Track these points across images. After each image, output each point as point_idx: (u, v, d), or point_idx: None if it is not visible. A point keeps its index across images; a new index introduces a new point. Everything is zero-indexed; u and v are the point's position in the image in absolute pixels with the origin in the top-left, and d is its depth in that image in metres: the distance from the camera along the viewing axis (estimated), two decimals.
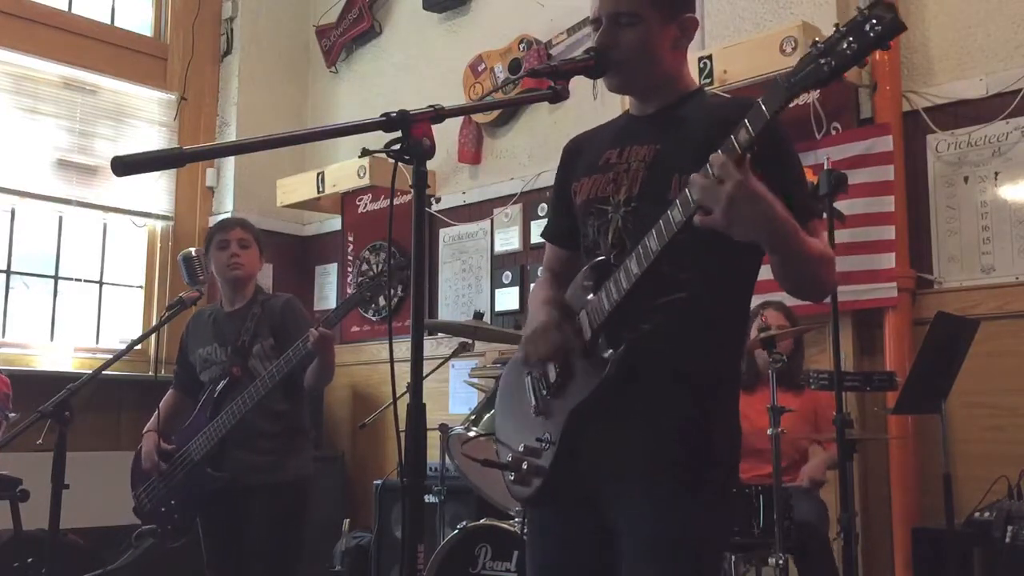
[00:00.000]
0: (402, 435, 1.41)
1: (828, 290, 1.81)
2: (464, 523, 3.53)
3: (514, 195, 5.17)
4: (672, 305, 1.71)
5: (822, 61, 1.45)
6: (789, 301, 3.56)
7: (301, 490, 3.19)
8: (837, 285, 1.80)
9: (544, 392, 1.84)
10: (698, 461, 1.71)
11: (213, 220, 6.22)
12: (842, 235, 3.57)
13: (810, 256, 1.65)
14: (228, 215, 5.96)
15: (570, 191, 1.93)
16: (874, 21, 1.39)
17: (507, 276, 5.17)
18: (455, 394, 5.13)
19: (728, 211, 1.50)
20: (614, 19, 1.78)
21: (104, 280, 5.92)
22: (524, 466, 1.83)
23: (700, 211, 1.55)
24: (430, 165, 1.47)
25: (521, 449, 1.84)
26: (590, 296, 1.77)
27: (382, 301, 5.31)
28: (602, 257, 1.80)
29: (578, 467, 1.77)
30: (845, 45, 1.42)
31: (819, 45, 1.46)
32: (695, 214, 1.56)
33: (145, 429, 3.30)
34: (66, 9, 5.87)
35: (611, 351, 1.70)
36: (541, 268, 2.10)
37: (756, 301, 3.53)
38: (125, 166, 1.32)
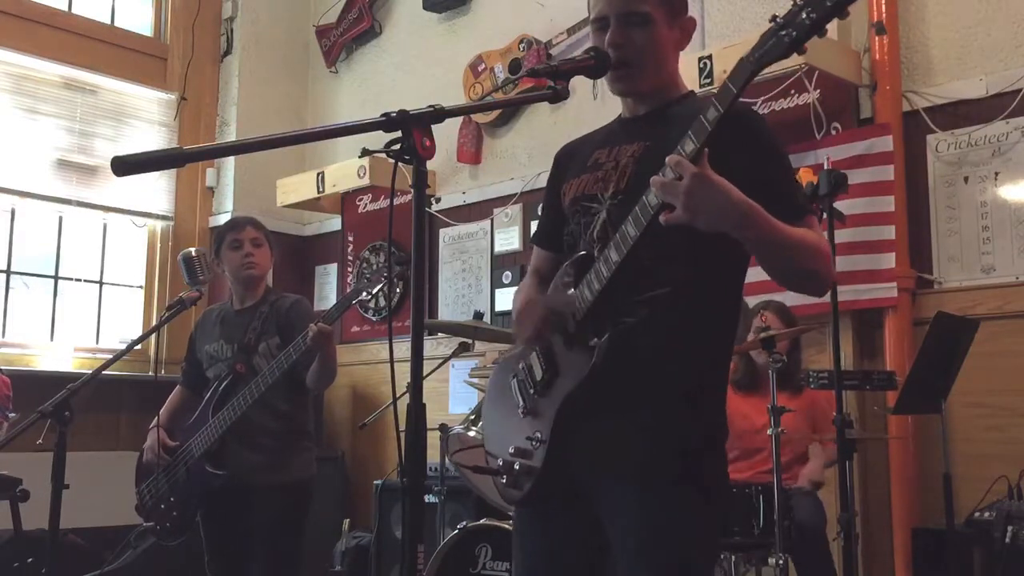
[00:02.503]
0: (402, 435, 1.41)
1: (823, 280, 1.75)
2: (464, 523, 3.53)
3: (514, 195, 5.17)
4: (656, 300, 1.71)
5: (782, 33, 1.49)
6: (789, 301, 3.57)
7: (302, 491, 3.18)
8: (835, 278, 1.79)
9: (531, 391, 1.83)
10: (685, 458, 1.71)
11: (213, 220, 6.23)
12: (842, 235, 3.57)
13: (791, 243, 1.64)
14: (228, 215, 5.96)
15: (561, 194, 1.94)
16: None
17: (507, 276, 5.17)
18: (455, 394, 5.13)
19: (688, 204, 1.53)
20: (624, 19, 1.78)
21: (104, 280, 5.92)
22: (516, 467, 1.82)
23: (665, 209, 1.57)
24: (430, 165, 1.47)
25: (511, 451, 1.83)
26: (571, 291, 1.77)
27: (382, 301, 5.31)
28: (583, 252, 1.79)
29: (569, 464, 1.76)
30: (804, 16, 1.46)
31: (778, 20, 1.50)
32: (661, 212, 1.58)
33: (151, 425, 3.30)
34: (66, 9, 5.86)
35: (596, 340, 1.70)
36: (527, 271, 2.10)
37: (756, 301, 3.56)
38: (125, 166, 1.32)
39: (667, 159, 1.56)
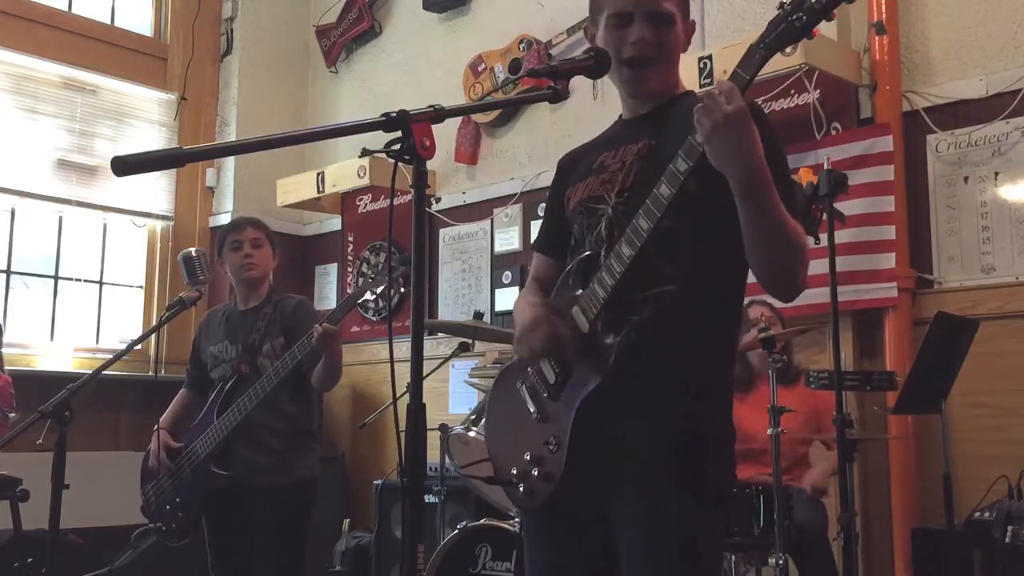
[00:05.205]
0: (402, 435, 1.41)
1: (799, 281, 1.71)
2: (464, 523, 3.54)
3: (514, 195, 5.17)
4: (662, 298, 1.70)
5: (793, 19, 1.52)
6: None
7: (306, 492, 3.17)
8: (807, 286, 1.75)
9: (545, 395, 1.81)
10: (693, 459, 1.70)
11: (213, 220, 6.23)
12: (842, 235, 3.57)
13: (788, 224, 1.62)
14: (228, 215, 5.97)
15: (564, 200, 1.93)
16: None
17: (507, 276, 5.17)
18: (455, 394, 5.13)
19: (728, 129, 1.53)
20: (652, 17, 1.78)
21: (104, 280, 5.92)
22: (534, 473, 1.79)
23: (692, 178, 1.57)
24: (430, 165, 1.47)
25: (527, 458, 1.81)
26: (579, 291, 1.76)
27: (382, 301, 5.31)
28: (587, 252, 1.78)
29: (586, 467, 1.74)
30: (814, 0, 1.50)
31: (786, 6, 1.53)
32: (674, 200, 1.57)
33: (155, 427, 3.29)
34: (66, 9, 5.87)
35: (613, 337, 1.68)
36: (528, 279, 2.07)
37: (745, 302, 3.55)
38: (125, 166, 1.31)
39: (719, 86, 1.55)
